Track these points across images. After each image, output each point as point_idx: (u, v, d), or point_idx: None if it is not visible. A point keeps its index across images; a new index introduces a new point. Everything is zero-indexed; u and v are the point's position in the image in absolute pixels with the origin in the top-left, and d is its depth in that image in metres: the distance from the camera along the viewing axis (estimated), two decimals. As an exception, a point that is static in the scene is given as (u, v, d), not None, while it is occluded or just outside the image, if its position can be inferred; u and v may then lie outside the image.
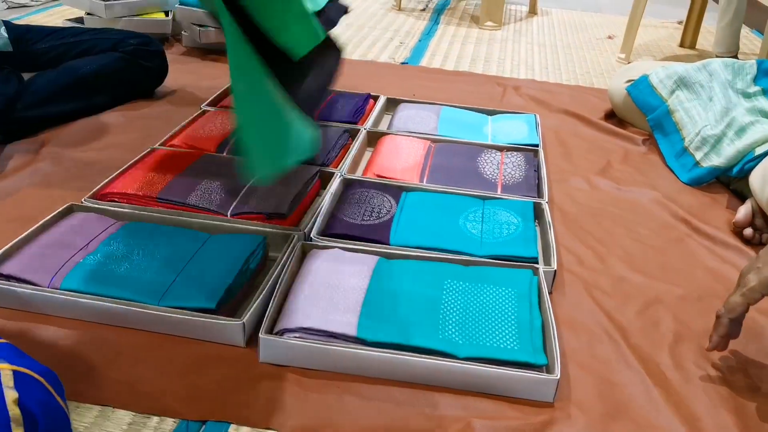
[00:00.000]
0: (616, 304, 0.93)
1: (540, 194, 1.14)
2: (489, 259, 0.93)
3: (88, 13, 1.86)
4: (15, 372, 0.47)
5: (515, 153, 1.27)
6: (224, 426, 0.69)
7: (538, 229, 1.05)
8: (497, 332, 0.78)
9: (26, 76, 1.31)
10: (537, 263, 0.94)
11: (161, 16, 1.89)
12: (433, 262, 0.91)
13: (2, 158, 1.16)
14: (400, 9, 2.58)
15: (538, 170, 1.22)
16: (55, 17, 2.15)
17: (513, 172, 1.20)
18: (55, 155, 1.20)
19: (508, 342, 0.77)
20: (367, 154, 1.30)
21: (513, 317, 0.81)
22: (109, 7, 1.78)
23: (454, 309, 0.82)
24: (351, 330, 0.77)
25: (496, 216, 1.04)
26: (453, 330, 0.79)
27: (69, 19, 1.91)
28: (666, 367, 0.82)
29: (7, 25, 1.35)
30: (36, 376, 0.48)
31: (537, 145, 1.32)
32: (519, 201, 1.09)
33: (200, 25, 1.81)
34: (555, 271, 0.92)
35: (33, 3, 2.29)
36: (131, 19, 1.83)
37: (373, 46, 2.08)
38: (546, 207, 1.08)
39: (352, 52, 2.00)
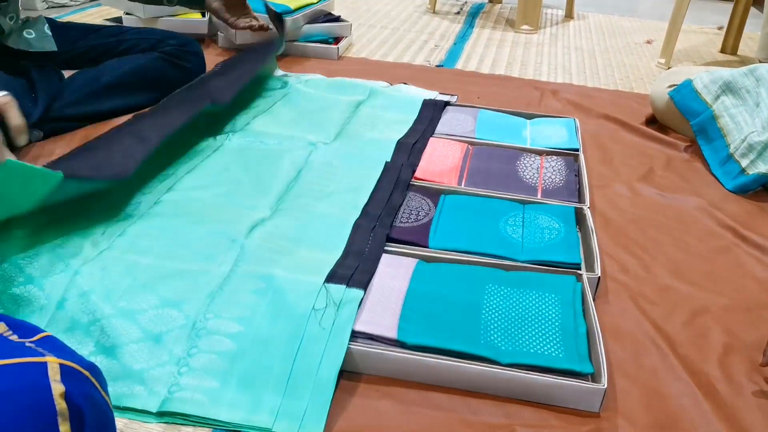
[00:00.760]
0: (662, 313, 0.91)
1: (581, 199, 1.12)
2: (530, 264, 0.91)
3: (127, 13, 1.88)
4: (62, 366, 0.46)
5: (555, 157, 1.24)
6: (262, 427, 0.68)
7: (579, 234, 1.03)
8: (541, 339, 0.76)
9: (67, 74, 1.33)
10: (580, 269, 0.92)
11: (198, 16, 1.90)
12: (473, 266, 0.89)
13: (43, 155, 1.17)
14: (434, 12, 2.57)
15: (578, 175, 1.19)
16: (94, 17, 2.18)
17: (553, 177, 1.17)
18: (94, 152, 1.21)
19: (553, 349, 0.75)
20: (404, 156, 1.28)
21: (557, 324, 0.79)
22: (147, 7, 1.80)
23: (497, 314, 0.80)
24: (391, 332, 0.76)
25: (537, 220, 1.02)
26: (495, 335, 0.77)
27: (107, 19, 1.93)
28: (716, 380, 0.79)
29: (51, 22, 1.37)
30: (82, 370, 0.48)
31: (577, 150, 1.30)
32: (560, 206, 1.07)
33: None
34: (599, 277, 0.90)
35: (72, 3, 2.32)
36: (168, 19, 1.85)
37: (408, 49, 2.07)
38: (588, 212, 1.05)
39: (387, 54, 1.99)
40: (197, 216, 0.95)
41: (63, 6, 2.31)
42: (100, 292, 0.78)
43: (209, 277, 0.82)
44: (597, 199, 1.19)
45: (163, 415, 0.67)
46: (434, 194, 1.08)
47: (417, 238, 0.96)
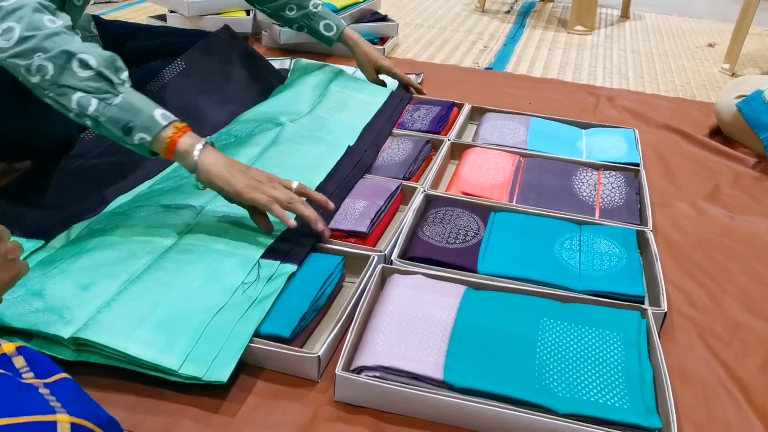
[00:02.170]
0: (735, 354, 0.82)
1: (643, 221, 1.03)
2: (589, 295, 0.84)
3: (171, 11, 1.85)
4: (73, 425, 0.41)
5: (614, 172, 1.16)
6: (295, 473, 0.63)
7: (642, 261, 0.95)
8: (603, 385, 0.69)
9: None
10: (644, 303, 0.84)
11: (242, 15, 1.86)
12: (526, 296, 0.82)
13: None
14: (483, 10, 2.48)
15: (640, 193, 1.11)
16: (140, 13, 2.16)
17: (612, 195, 1.09)
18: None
19: (616, 398, 0.68)
20: (451, 168, 1.22)
21: (620, 367, 0.72)
22: (191, 4, 1.77)
23: (553, 353, 0.73)
24: (437, 372, 0.70)
25: (596, 244, 0.94)
26: (552, 379, 0.70)
27: (152, 17, 1.91)
28: (799, 437, 0.70)
29: (97, 20, 1.34)
30: (95, 429, 0.43)
31: (638, 165, 1.21)
32: (620, 228, 0.98)
33: (281, 25, 1.77)
34: (665, 313, 0.82)
35: (118, -1, 2.31)
36: (213, 17, 1.81)
37: (455, 50, 1.99)
38: (651, 236, 0.97)
39: (433, 55, 1.92)
40: (157, 197, 0.99)
41: (109, 2, 2.30)
42: (56, 260, 0.84)
43: (153, 245, 0.85)
44: (659, 220, 1.10)
45: (77, 346, 0.70)
46: (484, 211, 1.02)
47: (465, 261, 0.89)
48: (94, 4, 2.27)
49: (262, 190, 0.85)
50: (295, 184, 0.90)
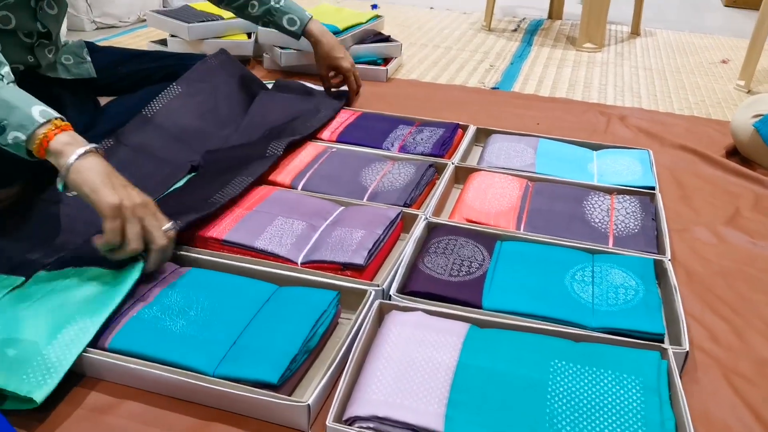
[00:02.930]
0: (763, 396, 0.76)
1: (661, 249, 0.97)
2: (603, 332, 0.78)
3: (172, 35, 1.82)
4: None
5: (628, 197, 1.10)
6: None
7: (660, 294, 0.88)
8: (620, 437, 0.63)
9: (106, 100, 1.26)
10: (663, 341, 0.78)
11: (243, 38, 1.82)
12: (535, 335, 0.76)
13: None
14: (489, 29, 2.44)
15: (656, 219, 1.04)
16: (141, 38, 2.14)
17: (627, 221, 1.03)
18: (122, 186, 1.13)
19: (636, 453, 0.61)
20: (455, 193, 1.16)
21: (639, 416, 0.65)
22: (191, 29, 1.73)
23: (565, 401, 0.67)
24: (437, 424, 0.63)
25: (610, 276, 0.88)
26: (564, 431, 0.63)
27: (153, 41, 1.88)
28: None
29: (90, 47, 1.30)
30: None
31: (653, 188, 1.15)
32: (637, 258, 0.92)
33: (282, 48, 1.73)
34: (687, 352, 0.76)
35: (121, 24, 2.29)
36: (214, 41, 1.78)
37: (461, 70, 1.95)
38: (669, 266, 0.91)
39: (438, 75, 1.88)
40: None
41: (112, 27, 2.28)
42: None
43: None
44: (677, 247, 1.04)
45: None
46: (489, 240, 0.96)
47: (469, 295, 0.83)
48: (97, 29, 2.25)
49: (124, 205, 0.77)
50: (168, 225, 0.82)
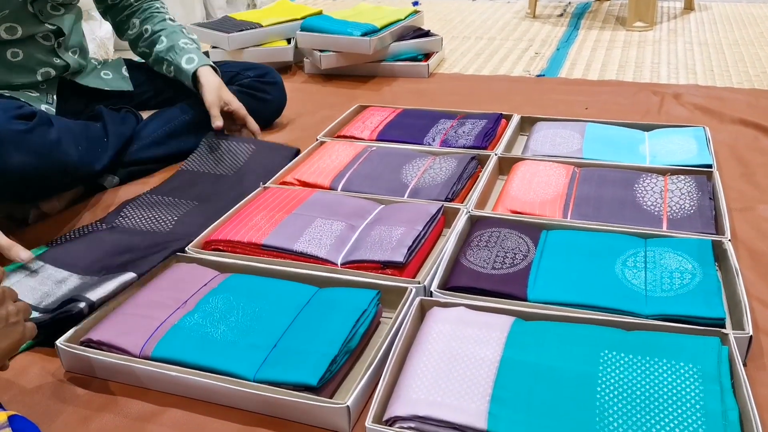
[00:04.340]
0: (841, 382, 0.69)
1: (719, 230, 0.91)
2: (658, 320, 0.73)
3: (213, 46, 1.85)
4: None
5: (682, 177, 1.04)
6: None
7: (720, 276, 0.83)
8: (677, 431, 0.59)
9: (146, 114, 1.29)
10: (724, 327, 0.73)
11: (283, 44, 1.84)
12: (584, 326, 0.72)
13: (116, 202, 1.12)
14: (534, 16, 2.38)
15: (713, 198, 0.98)
16: (188, 53, 2.18)
17: (681, 202, 0.97)
18: (168, 197, 1.15)
19: (695, 447, 0.57)
20: (499, 185, 1.13)
21: (698, 407, 0.61)
22: (231, 38, 1.76)
23: (616, 393, 0.63)
24: (480, 421, 0.61)
25: (664, 260, 0.83)
26: (616, 425, 0.60)
27: (197, 54, 1.91)
28: None
29: (129, 64, 1.34)
30: None
31: (710, 166, 1.08)
32: (692, 239, 0.87)
33: (321, 51, 1.73)
34: (750, 336, 0.70)
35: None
36: (254, 49, 1.80)
37: (505, 59, 1.90)
38: (729, 246, 0.85)
39: (481, 67, 1.84)
40: None
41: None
42: None
43: None
44: (739, 227, 0.98)
45: None
46: (534, 230, 0.92)
47: (513, 288, 0.80)
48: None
49: None
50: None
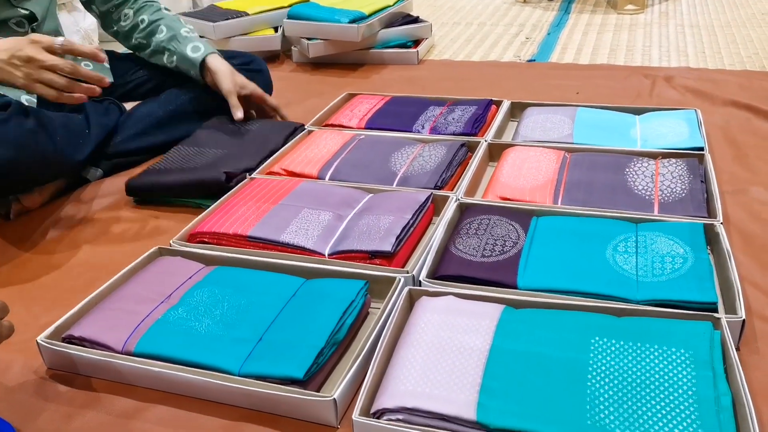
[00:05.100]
0: (835, 364, 0.69)
1: (711, 213, 0.90)
2: (649, 305, 0.72)
3: (200, 36, 1.82)
4: None
5: (674, 160, 1.03)
6: None
7: (712, 260, 0.82)
8: (669, 417, 0.58)
9: (129, 105, 1.27)
10: (716, 311, 0.72)
11: (270, 32, 1.81)
12: (574, 312, 0.71)
13: (99, 195, 1.11)
14: (525, 1, 2.36)
15: (705, 181, 0.97)
16: (174, 44, 2.15)
17: (673, 186, 0.96)
18: (153, 189, 1.13)
19: (687, 434, 0.56)
20: (489, 171, 1.11)
21: (690, 393, 0.60)
22: (217, 27, 1.73)
23: (607, 380, 0.62)
24: (469, 412, 0.60)
25: (655, 244, 0.82)
26: (606, 413, 0.59)
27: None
28: None
29: (111, 55, 1.32)
30: None
31: (702, 149, 1.07)
32: (684, 223, 0.86)
33: (309, 39, 1.71)
34: (743, 320, 0.69)
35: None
36: (241, 38, 1.77)
37: (495, 45, 1.88)
38: (721, 229, 0.84)
39: (471, 53, 1.82)
40: None
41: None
42: None
43: None
44: (731, 210, 0.96)
45: None
46: (524, 217, 0.91)
47: (503, 276, 0.79)
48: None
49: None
50: (59, 41, 0.92)
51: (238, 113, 1.22)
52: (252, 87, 1.26)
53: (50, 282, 0.90)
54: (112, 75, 1.27)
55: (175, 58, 1.25)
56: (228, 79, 1.22)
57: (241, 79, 1.25)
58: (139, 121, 1.22)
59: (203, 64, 1.23)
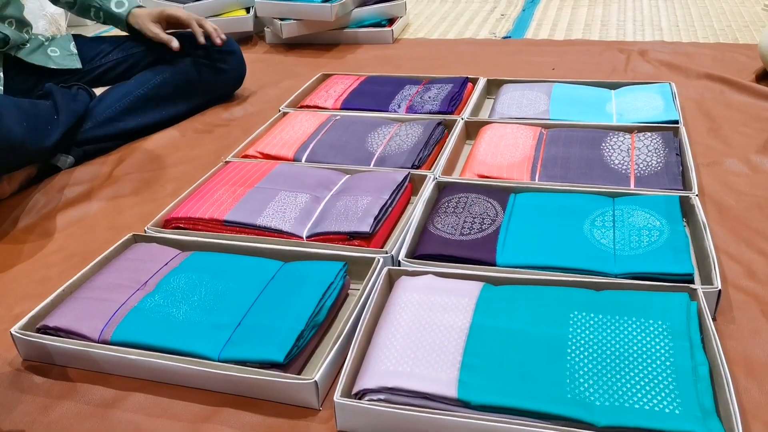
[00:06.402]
0: (809, 331, 0.70)
1: (687, 185, 0.91)
2: (627, 279, 0.73)
3: (171, 19, 1.78)
4: None
5: (649, 134, 1.03)
6: None
7: (688, 232, 0.83)
8: (649, 388, 0.58)
9: (98, 91, 1.24)
10: (693, 282, 0.72)
11: (242, 13, 1.78)
12: (553, 288, 0.71)
13: (71, 183, 1.08)
14: (499, -22, 2.34)
15: (680, 154, 0.98)
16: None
17: (648, 159, 0.97)
18: (124, 176, 1.11)
19: (666, 402, 0.57)
20: (467, 149, 1.11)
21: (668, 364, 0.61)
22: (188, 9, 1.70)
23: (586, 354, 0.62)
24: (450, 390, 0.60)
25: (632, 218, 0.82)
26: (587, 386, 0.59)
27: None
28: None
29: (77, 39, 1.28)
30: None
31: (677, 122, 1.08)
32: (660, 196, 0.86)
33: (282, 19, 1.69)
34: (719, 290, 0.70)
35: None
36: (211, 19, 1.74)
37: (470, 23, 1.87)
38: (697, 201, 0.85)
39: (447, 31, 1.81)
40: None
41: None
42: None
43: None
44: (706, 182, 0.97)
45: None
46: (502, 194, 0.91)
47: (481, 253, 0.79)
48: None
49: None
50: None
51: (173, 44, 1.26)
52: (174, 11, 1.28)
53: (23, 272, 0.88)
54: (80, 60, 1.24)
55: (102, 14, 1.26)
56: (148, 23, 1.26)
57: (164, 12, 1.28)
58: (110, 106, 1.20)
59: (128, 20, 1.26)
